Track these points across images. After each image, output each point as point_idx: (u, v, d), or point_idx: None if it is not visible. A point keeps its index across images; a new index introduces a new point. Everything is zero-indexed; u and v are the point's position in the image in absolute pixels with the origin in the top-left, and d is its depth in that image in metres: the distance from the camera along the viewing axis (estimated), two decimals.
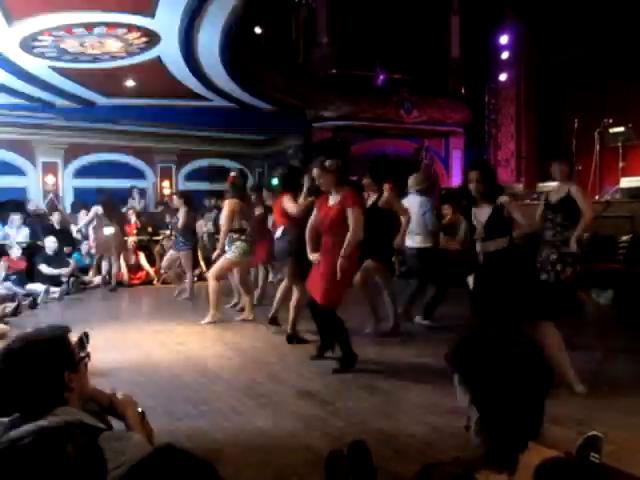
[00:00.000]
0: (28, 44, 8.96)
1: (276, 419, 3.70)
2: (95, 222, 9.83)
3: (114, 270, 9.61)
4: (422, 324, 6.29)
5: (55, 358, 1.65)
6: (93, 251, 10.18)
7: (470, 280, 4.40)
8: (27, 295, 8.17)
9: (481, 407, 1.25)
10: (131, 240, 10.53)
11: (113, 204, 10.07)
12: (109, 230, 9.50)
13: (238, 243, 6.62)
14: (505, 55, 13.13)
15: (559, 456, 1.20)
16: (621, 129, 8.83)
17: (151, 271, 10.49)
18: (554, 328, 3.91)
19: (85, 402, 1.76)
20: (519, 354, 1.24)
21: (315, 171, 4.86)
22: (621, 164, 8.63)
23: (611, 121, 9.04)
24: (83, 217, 10.72)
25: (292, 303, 5.65)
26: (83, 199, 11.74)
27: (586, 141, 9.49)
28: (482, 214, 4.33)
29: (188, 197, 8.80)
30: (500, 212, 4.24)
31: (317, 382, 4.43)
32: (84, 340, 1.80)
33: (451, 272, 6.18)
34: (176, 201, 8.84)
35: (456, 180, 14.46)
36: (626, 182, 7.78)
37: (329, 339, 5.04)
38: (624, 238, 6.61)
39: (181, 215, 8.35)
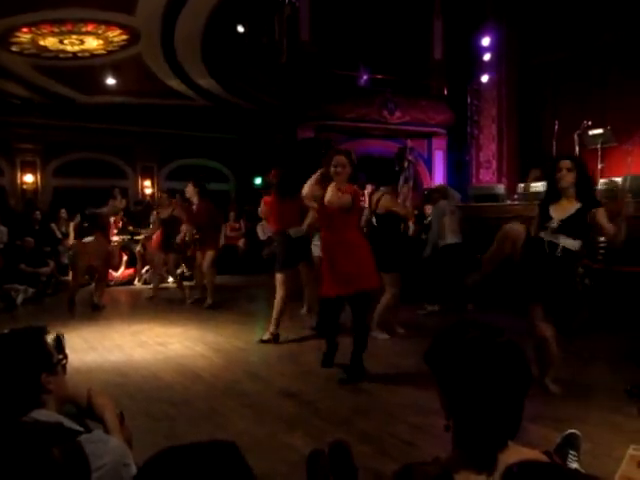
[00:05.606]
0: (6, 40, 8.83)
1: (257, 419, 3.68)
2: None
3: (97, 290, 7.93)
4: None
5: (32, 359, 1.62)
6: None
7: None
8: (5, 295, 8.03)
9: (459, 407, 1.25)
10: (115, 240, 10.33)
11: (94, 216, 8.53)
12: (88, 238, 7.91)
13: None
14: (487, 57, 13.22)
15: (530, 458, 1.21)
16: (600, 131, 8.96)
17: (115, 273, 10.19)
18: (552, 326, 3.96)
19: (62, 404, 1.73)
20: (498, 354, 1.24)
21: (341, 159, 4.53)
22: (600, 165, 8.76)
23: (590, 123, 9.17)
24: (63, 216, 10.59)
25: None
26: (63, 198, 11.58)
27: (566, 143, 9.62)
28: (560, 211, 3.91)
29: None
30: (584, 214, 3.87)
31: (299, 382, 4.42)
32: (61, 341, 1.77)
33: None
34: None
35: (438, 181, 14.54)
36: (604, 183, 7.88)
37: (335, 342, 4.76)
38: (602, 238, 6.69)
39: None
